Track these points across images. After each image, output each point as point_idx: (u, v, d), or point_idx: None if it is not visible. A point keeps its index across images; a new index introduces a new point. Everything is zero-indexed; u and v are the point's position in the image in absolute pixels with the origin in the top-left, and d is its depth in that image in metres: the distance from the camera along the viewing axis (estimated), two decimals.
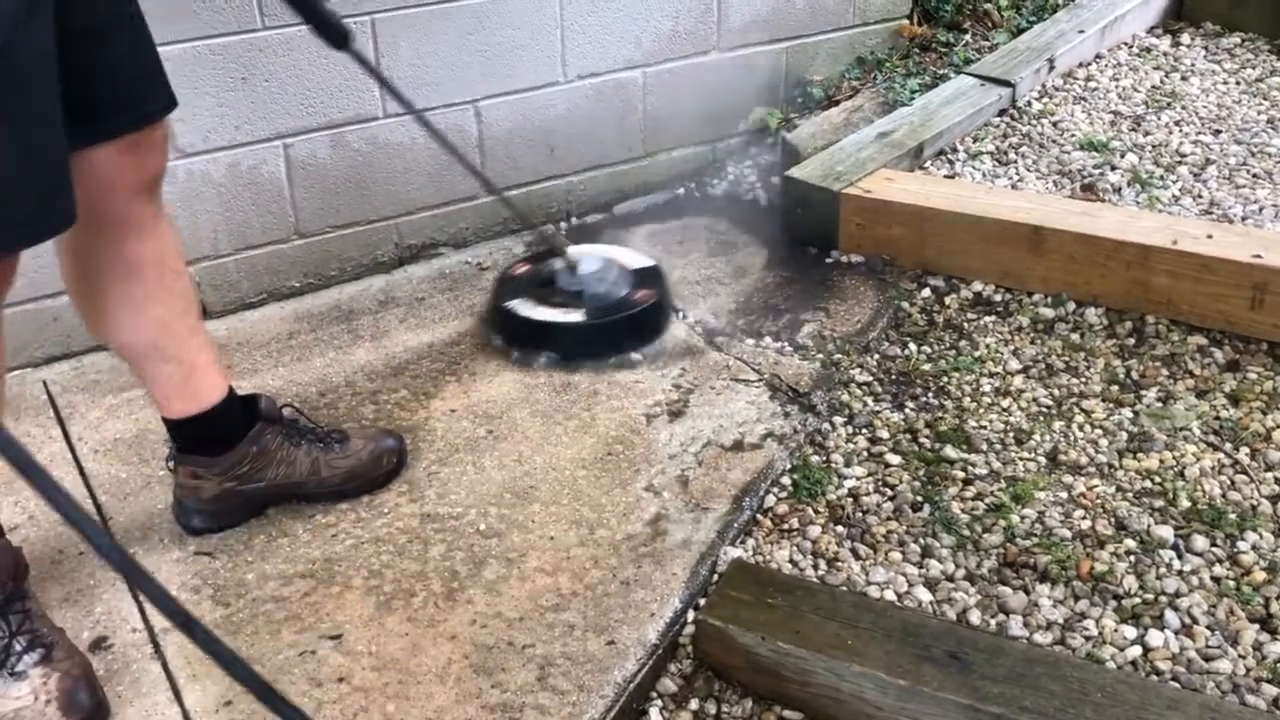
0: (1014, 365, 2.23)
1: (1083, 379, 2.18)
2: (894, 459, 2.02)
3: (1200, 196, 2.67)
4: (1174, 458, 1.97)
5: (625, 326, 2.35)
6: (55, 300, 2.34)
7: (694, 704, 1.62)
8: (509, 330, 2.39)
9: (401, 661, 1.61)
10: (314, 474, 1.90)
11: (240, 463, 1.84)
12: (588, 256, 2.47)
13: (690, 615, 1.71)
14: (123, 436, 2.13)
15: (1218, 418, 2.05)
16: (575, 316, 2.34)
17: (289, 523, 1.89)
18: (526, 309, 2.37)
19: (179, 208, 2.41)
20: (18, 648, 1.52)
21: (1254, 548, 1.77)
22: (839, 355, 2.30)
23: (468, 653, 1.62)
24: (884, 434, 2.08)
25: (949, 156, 2.87)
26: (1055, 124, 3.01)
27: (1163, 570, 1.74)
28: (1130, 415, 2.07)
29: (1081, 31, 3.32)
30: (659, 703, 1.62)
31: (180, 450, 1.85)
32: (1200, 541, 1.78)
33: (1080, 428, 2.06)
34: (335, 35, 1.80)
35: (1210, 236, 2.27)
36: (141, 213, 1.63)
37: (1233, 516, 1.83)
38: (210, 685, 1.58)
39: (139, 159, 1.58)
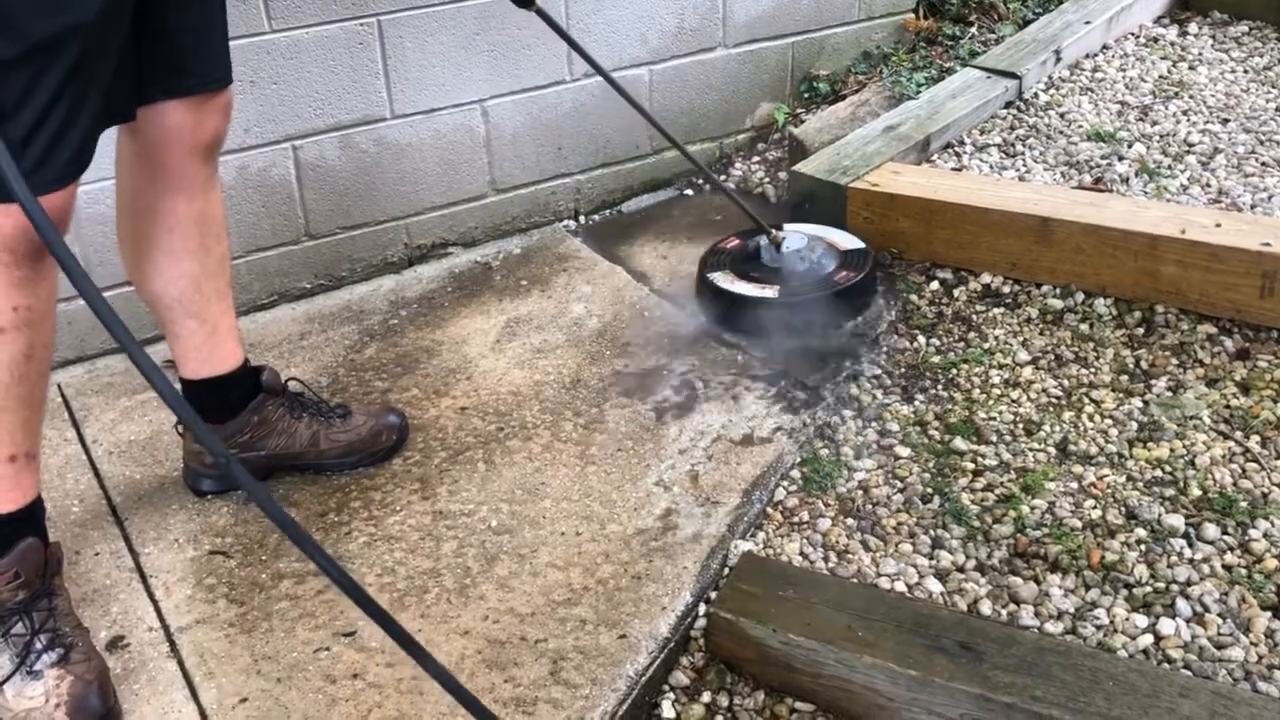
0: (1023, 356, 2.23)
1: (1092, 369, 2.18)
2: (904, 451, 2.02)
3: (1209, 185, 2.66)
4: (1184, 446, 1.96)
5: (817, 305, 2.35)
6: (69, 304, 2.36)
7: (706, 696, 1.63)
8: (707, 300, 2.45)
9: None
10: (313, 445, 1.97)
11: (241, 431, 1.91)
12: (794, 234, 2.49)
13: (702, 608, 1.71)
14: (137, 438, 2.15)
15: (1228, 406, 2.04)
16: (768, 292, 2.37)
17: (302, 521, 1.90)
18: (725, 281, 2.42)
19: None
20: (38, 646, 1.53)
21: (1265, 535, 1.77)
22: (848, 348, 2.30)
23: (480, 648, 1.63)
24: (893, 426, 2.08)
25: (956, 149, 2.87)
26: (1062, 115, 3.01)
27: (1174, 559, 1.74)
28: (1140, 405, 2.07)
29: (1088, 22, 3.31)
30: (671, 695, 1.63)
31: None
32: (1211, 530, 1.78)
33: (1090, 418, 2.06)
34: None
35: (1219, 225, 2.27)
36: (196, 172, 1.75)
37: (1244, 505, 1.83)
38: (226, 683, 1.59)
39: (202, 118, 1.72)
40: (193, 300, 1.83)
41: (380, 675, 1.59)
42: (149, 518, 1.93)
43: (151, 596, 1.76)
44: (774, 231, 2.48)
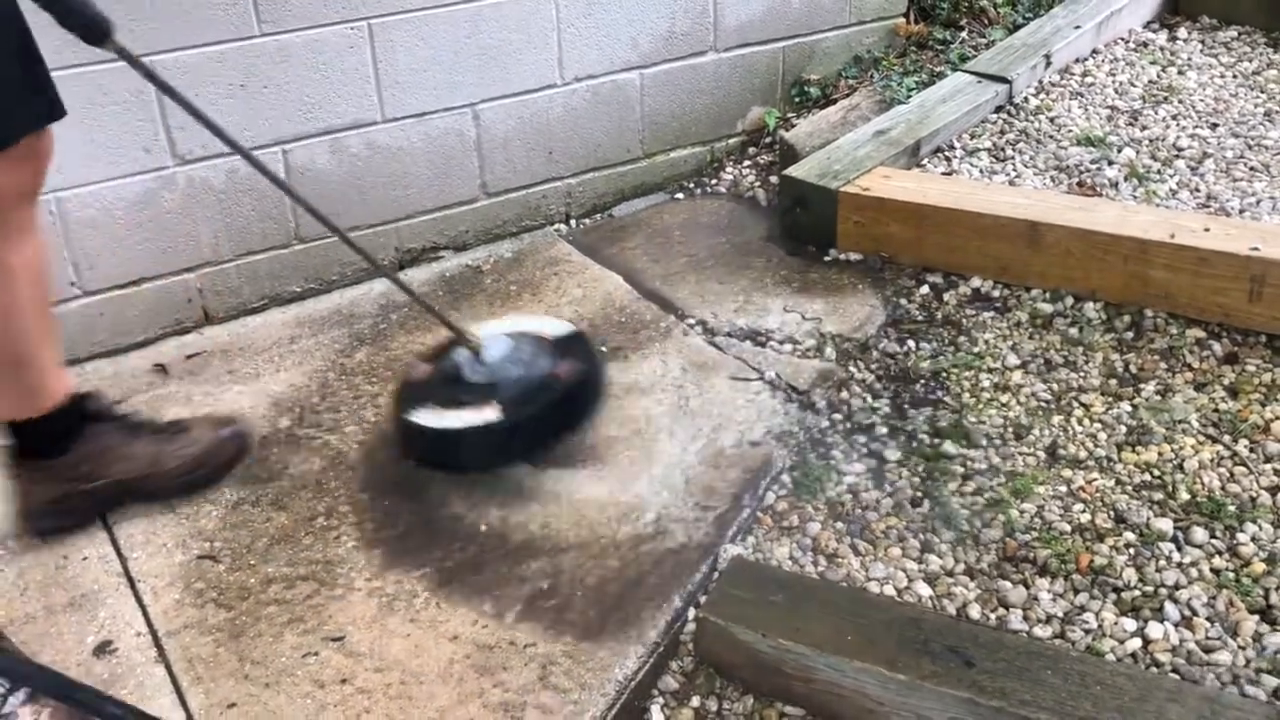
0: (1013, 360, 2.24)
1: (1081, 373, 2.18)
2: (893, 455, 2.02)
3: (1198, 190, 2.67)
4: (1173, 450, 1.97)
5: (549, 414, 2.00)
6: (58, 308, 2.35)
7: (695, 701, 1.63)
8: (415, 446, 2.02)
9: (404, 662, 1.62)
10: (156, 465, 1.90)
11: (79, 463, 1.85)
12: (494, 338, 2.07)
13: (691, 613, 1.71)
14: None
15: (1216, 410, 2.05)
16: (488, 414, 1.94)
17: (291, 526, 1.89)
18: (431, 418, 1.96)
19: (180, 214, 2.43)
20: (0, 690, 1.48)
21: (1253, 539, 1.77)
22: (838, 353, 2.30)
23: (469, 653, 1.63)
24: (883, 430, 2.09)
25: (946, 154, 2.88)
26: (1052, 120, 3.02)
27: (1162, 563, 1.75)
28: (1129, 409, 2.08)
29: (1078, 27, 3.32)
30: (660, 700, 1.63)
31: (21, 453, 1.83)
32: (1200, 533, 1.79)
33: (1079, 422, 2.06)
34: (91, 28, 1.63)
35: (1208, 230, 2.28)
36: (20, 219, 1.67)
37: (1232, 508, 1.83)
38: (214, 688, 1.59)
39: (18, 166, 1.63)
40: (24, 351, 1.73)
41: (369, 680, 1.59)
42: (137, 523, 1.93)
43: (139, 601, 1.76)
44: (471, 338, 2.05)
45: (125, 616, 1.73)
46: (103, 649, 1.67)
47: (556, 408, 2.00)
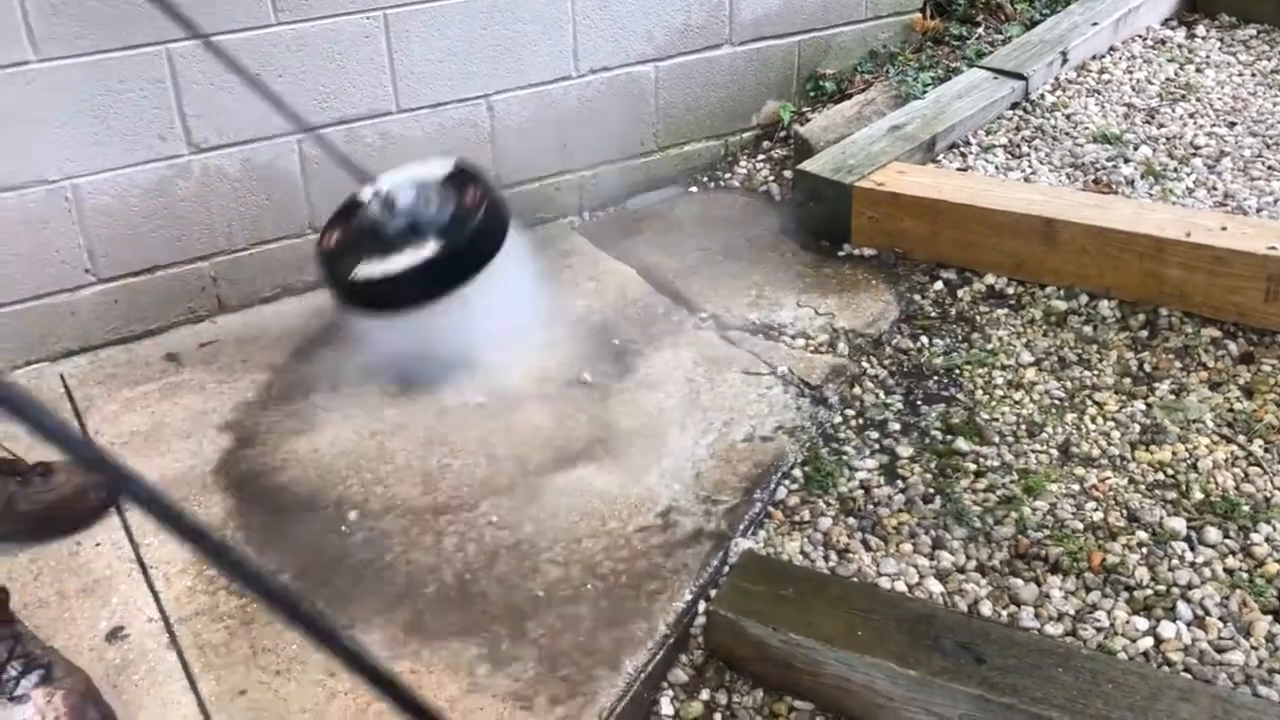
0: (1026, 358, 2.23)
1: (1095, 371, 2.18)
2: (905, 451, 2.02)
3: (1215, 189, 2.66)
4: (1187, 450, 1.96)
5: (478, 236, 2.12)
6: (73, 295, 2.36)
7: (705, 694, 1.63)
8: (366, 304, 2.14)
9: (414, 651, 1.62)
10: (9, 509, 1.81)
11: None
12: (398, 186, 2.18)
13: (701, 606, 1.71)
14: (139, 429, 2.15)
15: (1231, 410, 2.04)
16: (427, 250, 2.07)
17: (301, 514, 1.90)
18: (374, 267, 2.08)
19: (194, 202, 2.43)
20: (13, 672, 1.50)
21: (1267, 540, 1.76)
22: (851, 348, 2.30)
23: (479, 642, 1.63)
24: (895, 426, 2.08)
25: (961, 150, 2.87)
26: (1068, 117, 3.00)
27: (1175, 562, 1.74)
28: (1143, 407, 2.07)
29: (1095, 24, 3.30)
30: (670, 693, 1.63)
31: None
32: (1213, 533, 1.78)
33: (1093, 420, 2.06)
34: None
35: (1224, 229, 2.27)
36: None
37: (1246, 509, 1.82)
38: (225, 674, 1.60)
39: None
40: None
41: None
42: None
43: (152, 588, 1.77)
44: (375, 187, 2.17)
45: (137, 602, 1.74)
46: (115, 634, 1.68)
47: (482, 228, 2.12)
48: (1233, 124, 2.94)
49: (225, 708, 1.55)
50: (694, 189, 3.05)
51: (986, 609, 1.69)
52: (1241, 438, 1.98)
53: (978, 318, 2.36)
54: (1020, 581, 1.73)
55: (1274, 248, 2.17)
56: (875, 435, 2.07)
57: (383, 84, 2.55)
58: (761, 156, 3.10)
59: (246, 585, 0.82)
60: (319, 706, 1.54)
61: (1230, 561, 1.73)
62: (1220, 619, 1.64)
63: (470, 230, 2.11)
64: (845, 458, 2.02)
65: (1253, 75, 3.21)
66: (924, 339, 2.31)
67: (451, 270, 2.08)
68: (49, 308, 2.36)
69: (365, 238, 2.15)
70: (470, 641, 1.64)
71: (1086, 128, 2.94)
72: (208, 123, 2.38)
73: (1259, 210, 2.55)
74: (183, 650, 1.64)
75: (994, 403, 2.12)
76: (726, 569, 1.78)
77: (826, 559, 1.81)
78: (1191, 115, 3.00)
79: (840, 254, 2.64)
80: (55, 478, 1.86)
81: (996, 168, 2.80)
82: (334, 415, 2.16)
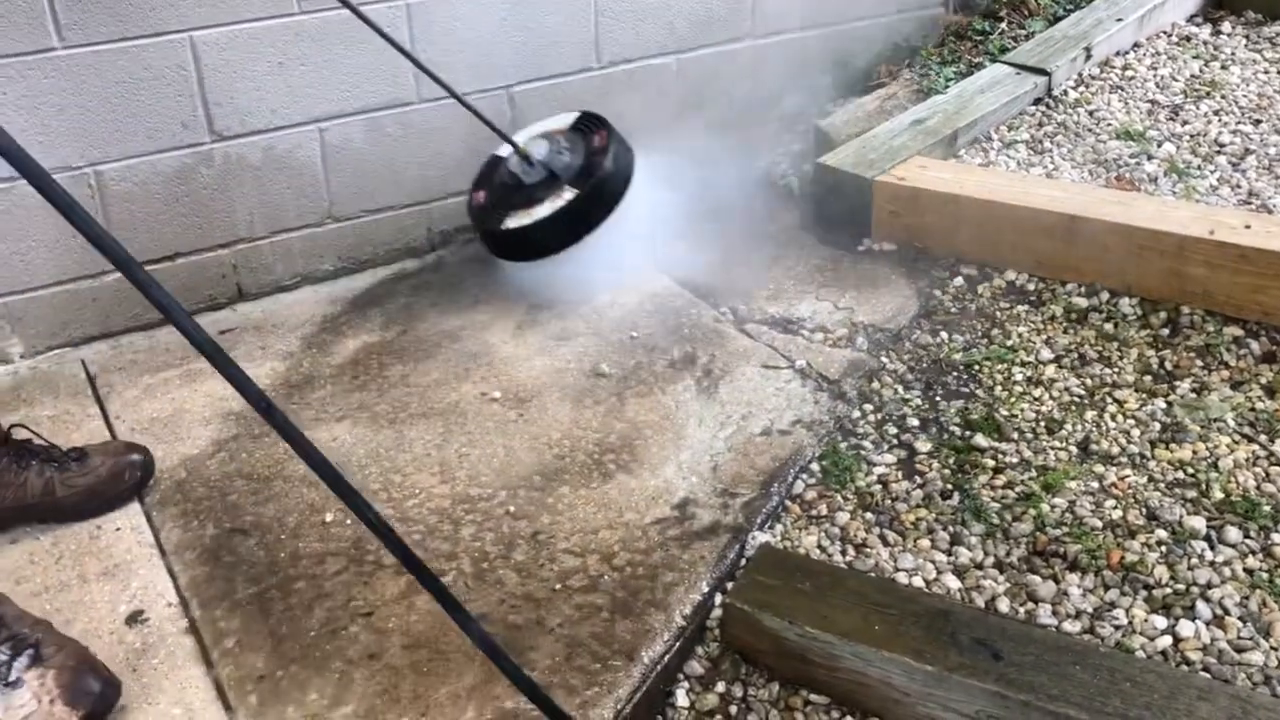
0: (1046, 354, 2.22)
1: (1116, 369, 2.16)
2: (924, 446, 2.01)
3: (1239, 186, 2.63)
4: (1207, 449, 1.95)
5: (610, 175, 2.37)
6: (95, 281, 2.37)
7: (720, 686, 1.63)
8: (517, 248, 2.41)
9: (431, 640, 1.63)
10: (48, 494, 1.85)
11: None
12: (531, 142, 2.44)
13: (718, 599, 1.71)
14: (159, 415, 2.16)
15: (1253, 409, 2.03)
16: (568, 195, 2.35)
17: (322, 502, 1.91)
18: (522, 218, 2.37)
19: (216, 190, 2.44)
20: (3, 657, 1.50)
21: None
22: (870, 343, 2.29)
23: (497, 632, 1.64)
24: (914, 422, 2.08)
25: (983, 145, 2.85)
26: (1091, 113, 2.98)
27: (1194, 561, 1.73)
28: (1164, 406, 2.06)
29: (1120, 20, 3.28)
30: (686, 684, 1.63)
31: None
32: (1233, 533, 1.77)
33: (1112, 418, 2.05)
34: None
35: (1248, 227, 2.25)
36: None
37: (1267, 509, 1.81)
38: (244, 660, 1.60)
39: None
40: None
41: (396, 657, 1.60)
42: (170, 495, 1.94)
43: (171, 573, 1.78)
44: (517, 145, 2.42)
45: (157, 587, 1.75)
46: (134, 618, 1.69)
47: (613, 168, 2.37)
48: (1258, 121, 2.92)
49: (243, 692, 1.55)
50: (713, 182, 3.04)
51: (1004, 605, 1.69)
52: (1263, 437, 1.96)
53: (998, 314, 2.35)
54: (1038, 578, 1.72)
55: None
56: (894, 430, 2.06)
57: (405, 73, 2.55)
58: (782, 150, 3.08)
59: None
60: (336, 693, 1.55)
61: (1250, 561, 1.72)
62: (1240, 619, 1.63)
63: (600, 172, 2.36)
64: (863, 452, 2.01)
65: (1278, 73, 3.18)
66: (944, 334, 2.31)
67: (589, 209, 2.35)
68: (71, 294, 2.37)
69: (509, 191, 2.42)
70: (488, 629, 1.64)
71: (1110, 124, 2.92)
72: (228, 110, 2.39)
73: None
74: (202, 635, 1.65)
75: (1013, 399, 2.11)
76: (743, 562, 1.78)
77: (844, 553, 1.81)
78: (1216, 112, 2.97)
79: (860, 248, 2.63)
80: (90, 461, 1.90)
81: (1019, 164, 2.78)
82: (352, 403, 2.17)
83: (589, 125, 2.46)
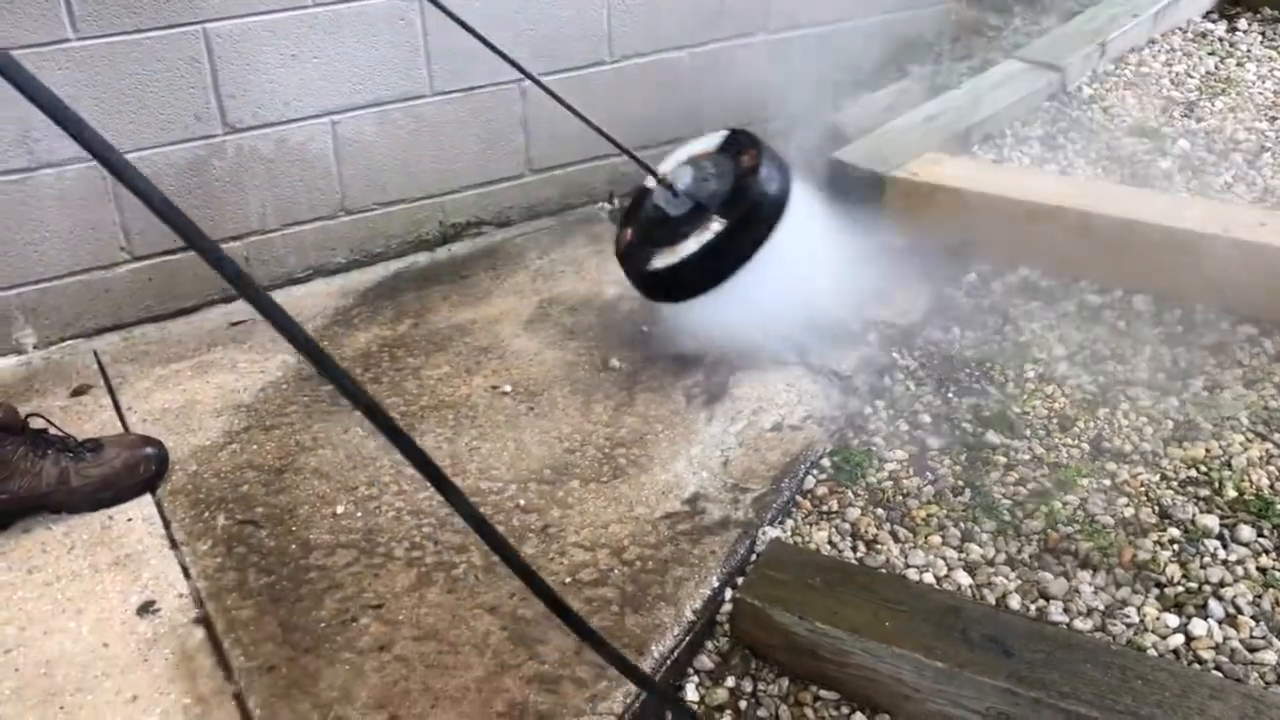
0: (1059, 351, 2.21)
1: (1129, 366, 2.15)
2: (935, 443, 2.01)
3: (1254, 184, 2.62)
4: (1221, 447, 1.94)
5: (760, 198, 2.12)
6: (108, 272, 2.38)
7: (730, 681, 1.63)
8: (671, 289, 2.18)
9: (441, 632, 1.63)
10: (63, 484, 1.86)
11: None
12: (677, 170, 2.24)
13: (728, 594, 1.71)
14: (170, 406, 2.16)
15: (1266, 408, 2.02)
16: (717, 225, 2.11)
17: (333, 494, 1.91)
18: (670, 256, 2.13)
19: (228, 182, 2.45)
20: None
21: None
22: (882, 338, 2.29)
23: (506, 625, 1.64)
24: (926, 418, 2.07)
25: (997, 141, 2.84)
26: (1106, 109, 2.97)
27: (1207, 560, 1.72)
28: (1176, 404, 2.05)
29: (1135, 16, 3.27)
30: (695, 679, 1.63)
31: None
32: (1246, 532, 1.76)
33: (1125, 415, 2.04)
34: None
35: (1263, 224, 2.23)
36: None
37: None
38: (255, 650, 1.61)
39: None
40: None
41: (407, 649, 1.60)
42: (182, 486, 1.95)
43: (182, 563, 1.78)
44: (660, 176, 2.23)
45: (168, 578, 1.75)
46: (146, 608, 1.69)
47: (762, 191, 2.12)
48: (1274, 118, 2.90)
49: (255, 683, 1.56)
50: None
51: (1015, 602, 1.68)
52: (1277, 436, 1.95)
53: (1010, 310, 2.34)
54: (1049, 575, 1.72)
55: None
56: (905, 426, 2.06)
57: (418, 66, 2.55)
58: (794, 145, 3.07)
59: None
60: (347, 684, 1.55)
61: (1264, 560, 1.71)
62: (1253, 618, 1.62)
63: (748, 198, 2.12)
64: (874, 448, 2.01)
65: None
66: (956, 330, 2.30)
67: (740, 240, 2.10)
68: (84, 284, 2.38)
69: (654, 227, 2.21)
70: (497, 622, 1.64)
71: (1124, 121, 2.91)
72: (242, 103, 2.39)
73: None
74: (213, 626, 1.66)
75: (1025, 396, 2.10)
76: (754, 557, 1.78)
77: (854, 549, 1.80)
78: (1231, 109, 2.96)
79: (873, 244, 2.62)
80: (106, 453, 1.91)
81: (1032, 160, 2.77)
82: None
83: (738, 144, 2.25)
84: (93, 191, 2.30)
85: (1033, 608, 1.67)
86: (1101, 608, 1.66)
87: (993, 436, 2.00)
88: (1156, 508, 1.83)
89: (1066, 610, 1.66)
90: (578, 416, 2.10)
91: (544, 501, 1.89)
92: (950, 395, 2.13)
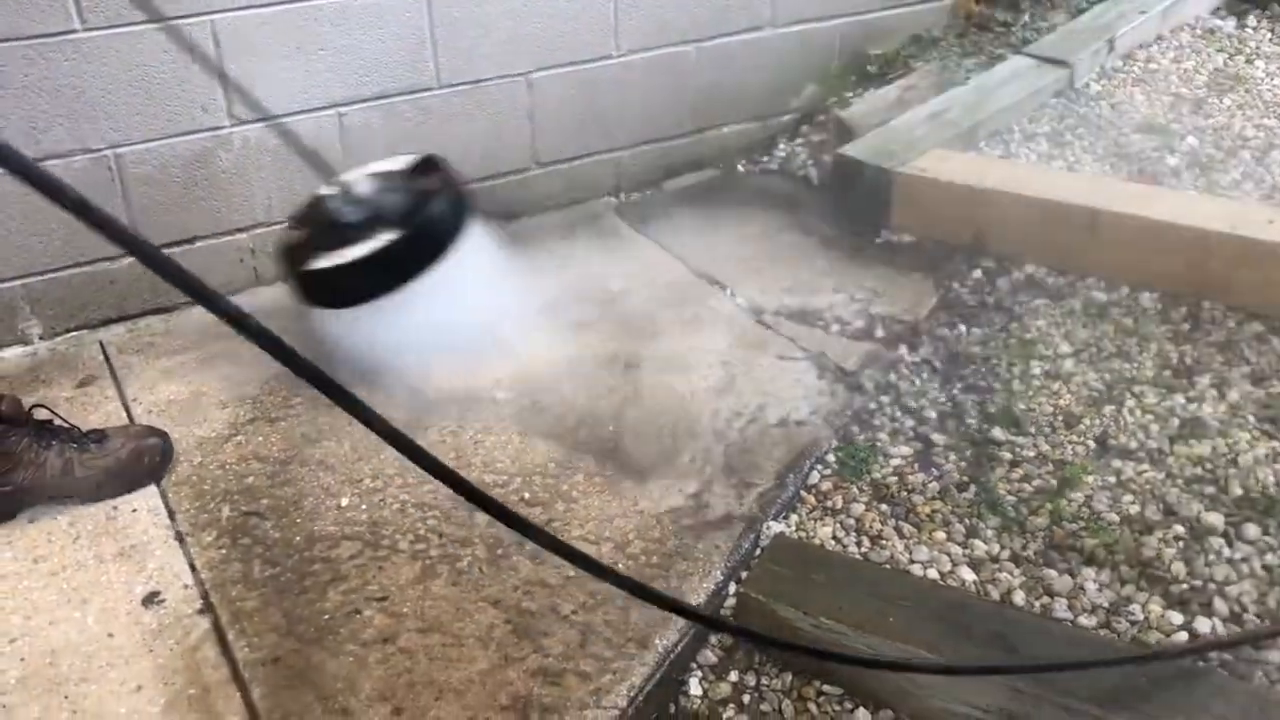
0: (1065, 349, 2.21)
1: (1135, 364, 2.15)
2: (940, 439, 2.00)
3: (1263, 181, 2.61)
4: (1227, 445, 1.93)
5: (438, 219, 2.09)
6: (113, 264, 2.38)
7: (734, 675, 1.63)
8: (324, 293, 2.10)
9: (446, 624, 1.63)
10: (67, 474, 1.86)
11: None
12: (360, 178, 2.17)
13: (732, 588, 1.71)
14: (176, 398, 2.17)
15: (1273, 405, 2.01)
16: (385, 237, 2.04)
17: (338, 486, 1.91)
18: (336, 258, 2.05)
19: (235, 174, 2.45)
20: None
21: None
22: (887, 334, 2.28)
23: (510, 617, 1.64)
24: (931, 414, 2.07)
25: (1004, 137, 2.83)
26: (1113, 106, 2.96)
27: (1212, 557, 1.72)
28: (1183, 401, 2.04)
29: (1143, 12, 3.25)
30: (699, 673, 1.63)
31: None
32: (1252, 530, 1.76)
33: (1131, 413, 2.03)
34: None
35: (1271, 222, 2.23)
36: None
37: None
38: (259, 641, 1.61)
39: None
40: None
41: (411, 641, 1.60)
42: (185, 476, 1.95)
43: (187, 554, 1.78)
44: (338, 180, 2.16)
45: (173, 568, 1.75)
46: (151, 599, 1.70)
47: (441, 213, 2.09)
48: None
49: (258, 674, 1.56)
50: (732, 172, 3.03)
51: (1020, 599, 1.68)
52: None
53: (1016, 307, 2.34)
54: (1054, 572, 1.72)
55: None
56: (910, 422, 2.05)
57: (424, 59, 2.55)
58: (800, 140, 3.08)
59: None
60: (350, 675, 1.55)
61: (1269, 558, 1.71)
62: (1257, 616, 1.62)
63: (425, 217, 2.08)
64: (879, 444, 2.01)
65: None
66: (962, 327, 2.30)
67: (407, 258, 2.05)
68: (89, 276, 2.38)
69: (324, 230, 2.13)
70: (501, 615, 1.64)
71: (1132, 117, 2.90)
72: (250, 95, 2.38)
73: None
74: (218, 617, 1.66)
75: (1031, 393, 2.10)
76: (758, 552, 1.78)
77: (859, 544, 1.80)
78: (1240, 106, 2.95)
79: (879, 240, 2.62)
80: (110, 443, 1.91)
81: (1039, 156, 2.76)
82: (362, 389, 2.17)
83: (425, 168, 2.20)
84: (99, 182, 2.30)
85: (1037, 605, 1.67)
86: (1106, 605, 1.66)
87: (998, 433, 2.00)
88: (1161, 505, 1.82)
89: (1071, 607, 1.66)
90: (582, 410, 2.09)
91: (548, 495, 1.89)
92: (956, 391, 2.12)
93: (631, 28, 2.77)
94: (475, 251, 2.15)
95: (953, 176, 2.52)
